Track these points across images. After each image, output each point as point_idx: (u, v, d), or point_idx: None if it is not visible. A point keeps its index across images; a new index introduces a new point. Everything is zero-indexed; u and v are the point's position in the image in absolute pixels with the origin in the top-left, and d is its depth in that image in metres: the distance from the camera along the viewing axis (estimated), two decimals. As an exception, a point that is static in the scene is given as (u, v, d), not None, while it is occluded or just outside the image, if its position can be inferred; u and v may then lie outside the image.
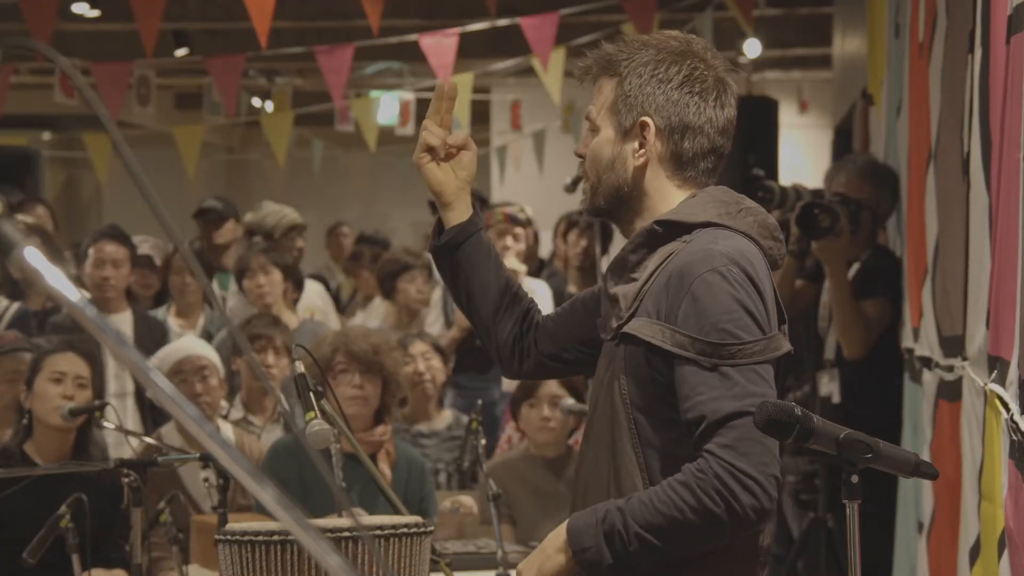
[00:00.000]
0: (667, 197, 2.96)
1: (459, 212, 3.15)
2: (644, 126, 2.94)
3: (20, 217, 7.56)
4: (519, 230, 7.14)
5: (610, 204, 2.99)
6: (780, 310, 2.92)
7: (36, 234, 7.07)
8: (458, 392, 7.52)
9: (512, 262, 7.11)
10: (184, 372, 5.80)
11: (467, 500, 5.44)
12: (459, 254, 3.16)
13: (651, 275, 2.89)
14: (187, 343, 6.11)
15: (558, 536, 2.88)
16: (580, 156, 3.04)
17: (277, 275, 7.26)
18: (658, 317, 2.85)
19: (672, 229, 2.91)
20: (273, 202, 9.05)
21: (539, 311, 3.24)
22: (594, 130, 3.00)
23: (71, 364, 5.09)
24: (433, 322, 7.54)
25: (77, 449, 5.09)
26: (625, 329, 2.89)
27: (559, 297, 7.38)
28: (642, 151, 2.95)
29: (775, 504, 2.83)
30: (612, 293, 2.96)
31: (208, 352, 5.92)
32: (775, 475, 2.79)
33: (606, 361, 2.98)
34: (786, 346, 2.90)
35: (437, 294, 7.62)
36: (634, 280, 2.92)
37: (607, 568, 2.83)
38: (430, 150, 3.12)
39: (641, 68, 2.94)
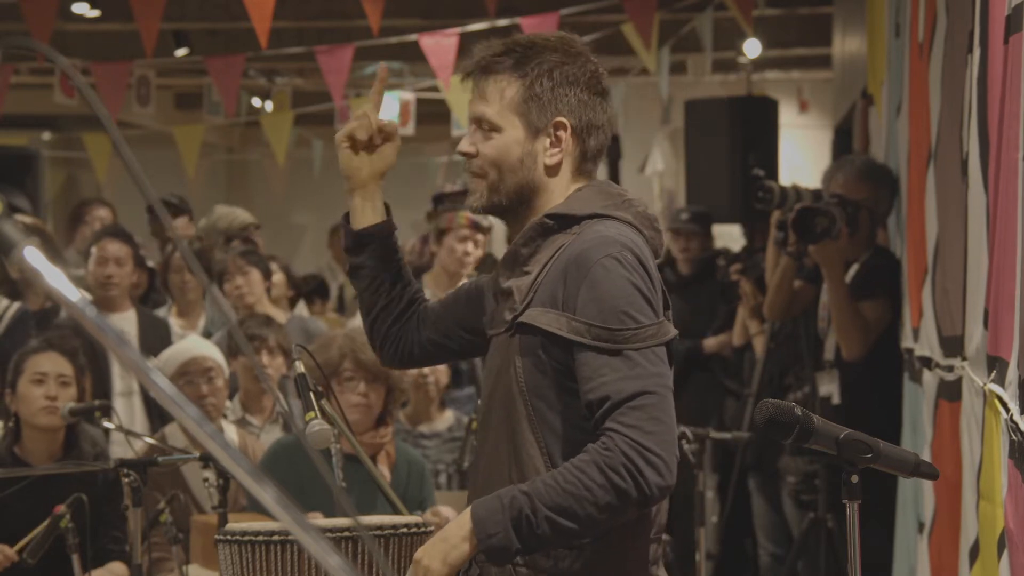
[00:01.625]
0: (564, 191, 3.06)
1: (370, 210, 3.25)
2: (560, 126, 3.03)
3: (21, 218, 7.57)
4: (480, 236, 7.14)
5: (512, 202, 3.06)
6: (665, 297, 3.01)
7: (36, 234, 7.07)
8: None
9: (469, 268, 7.11)
10: (190, 373, 5.77)
11: (445, 510, 5.43)
12: (365, 253, 3.26)
13: (544, 266, 2.97)
14: (193, 344, 6.08)
15: (462, 525, 2.89)
16: (468, 155, 3.09)
17: (256, 274, 7.25)
18: (554, 306, 2.94)
19: (562, 221, 3.00)
20: (224, 205, 9.08)
21: (424, 301, 3.32)
22: (494, 129, 3.05)
23: (52, 363, 5.07)
24: None
25: (67, 447, 5.08)
26: (521, 319, 2.96)
27: None
28: (555, 150, 3.04)
29: (674, 482, 2.88)
30: (506, 287, 3.03)
31: (214, 353, 5.89)
32: (675, 454, 2.86)
33: (499, 354, 3.03)
34: (673, 331, 2.98)
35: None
36: (527, 273, 3.00)
37: (514, 553, 2.87)
38: (352, 139, 3.21)
39: (550, 69, 3.02)
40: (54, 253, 7.04)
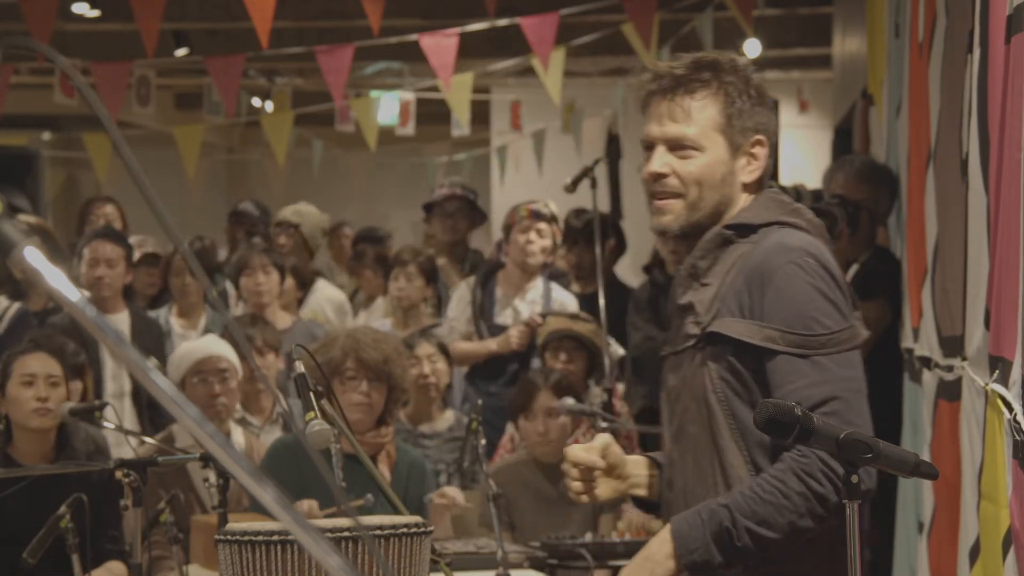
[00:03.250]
0: (740, 203, 3.09)
1: (642, 490, 3.21)
2: (758, 143, 3.08)
3: (24, 217, 7.56)
4: (543, 225, 7.10)
5: (708, 220, 3.08)
6: (852, 298, 3.03)
7: (37, 234, 7.07)
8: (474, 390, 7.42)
9: (537, 257, 7.10)
10: (204, 372, 5.74)
11: (451, 490, 5.43)
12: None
13: (724, 277, 2.99)
14: (209, 342, 6.03)
15: (664, 541, 2.92)
16: (662, 176, 3.09)
17: (276, 276, 7.27)
18: (742, 314, 2.95)
19: (740, 231, 3.03)
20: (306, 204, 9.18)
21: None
22: (696, 148, 3.06)
23: (41, 364, 5.06)
24: (457, 317, 7.44)
25: (59, 447, 5.08)
26: (712, 329, 2.97)
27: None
28: (753, 167, 3.08)
29: (875, 485, 2.89)
30: (685, 303, 3.04)
31: (229, 354, 5.84)
32: None
33: (683, 369, 3.04)
34: (864, 333, 3.00)
35: (463, 290, 7.54)
36: (707, 286, 3.02)
37: (716, 567, 2.88)
38: (586, 491, 3.15)
39: (741, 88, 3.07)
40: (57, 253, 7.04)
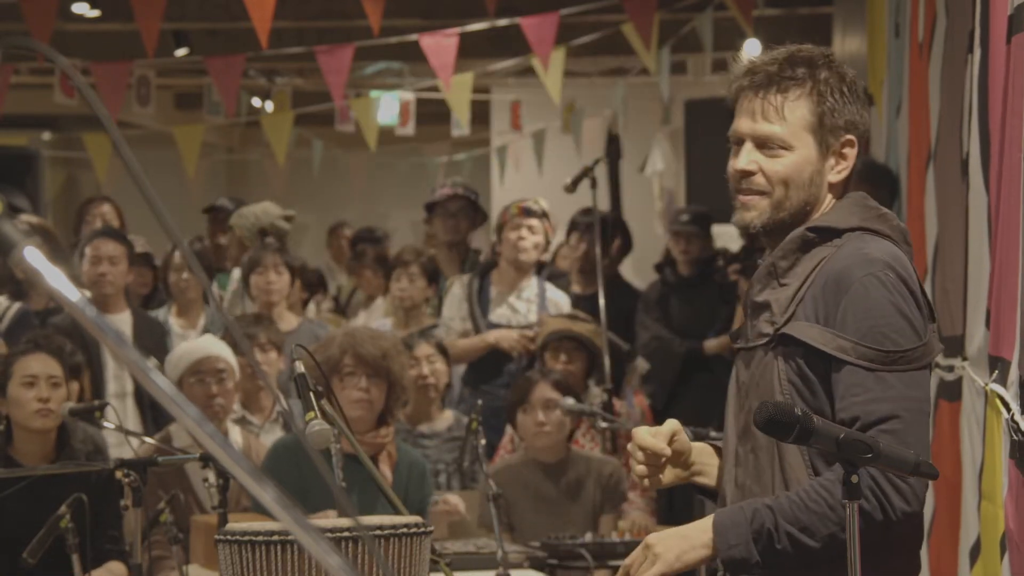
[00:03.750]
0: (825, 203, 3.05)
1: (706, 479, 3.18)
2: (848, 143, 3.03)
3: (26, 217, 7.56)
4: (534, 221, 7.10)
5: (794, 219, 3.04)
6: (931, 309, 2.99)
7: (39, 234, 7.07)
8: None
9: (529, 253, 7.10)
10: (202, 372, 5.74)
11: (453, 499, 5.43)
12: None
13: (805, 280, 2.96)
14: (206, 343, 6.03)
15: (704, 529, 2.92)
16: (749, 173, 3.05)
17: (287, 276, 7.27)
18: (817, 320, 2.93)
19: (823, 234, 2.99)
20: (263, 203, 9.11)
21: None
22: (784, 147, 3.02)
23: (42, 365, 5.06)
24: (451, 317, 7.45)
25: (59, 447, 5.08)
26: (785, 331, 2.95)
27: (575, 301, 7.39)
28: (842, 166, 3.04)
29: (923, 507, 2.88)
30: (762, 300, 3.02)
31: (227, 354, 5.84)
32: (926, 483, 2.85)
33: (753, 366, 3.03)
34: (939, 348, 2.98)
35: (457, 289, 7.55)
36: (785, 286, 2.99)
37: (753, 566, 2.88)
38: (650, 475, 3.12)
39: (834, 85, 3.02)
40: (58, 253, 7.04)
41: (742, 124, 3.05)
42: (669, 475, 3.13)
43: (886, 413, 2.84)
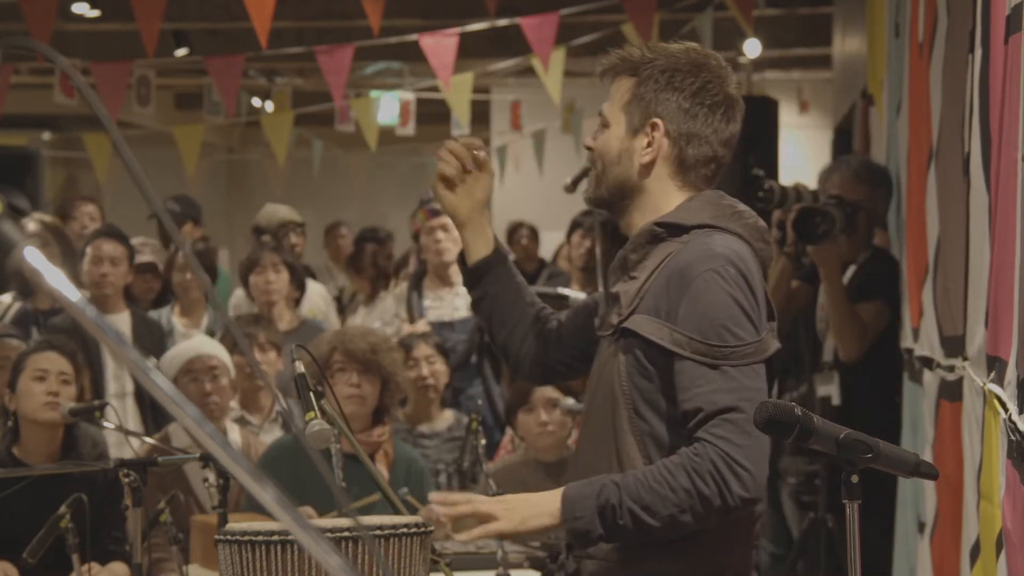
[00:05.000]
0: (667, 196, 3.13)
1: (480, 242, 3.37)
2: (654, 126, 3.12)
3: (38, 216, 7.56)
4: (445, 219, 7.13)
5: (612, 195, 3.17)
6: (770, 307, 3.07)
7: (51, 233, 7.08)
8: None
9: (452, 253, 7.12)
10: (195, 371, 5.76)
11: (439, 509, 5.42)
12: (483, 284, 3.38)
13: (651, 274, 3.04)
14: (198, 342, 6.06)
15: (552, 499, 2.98)
16: (589, 148, 3.23)
17: (285, 275, 7.28)
18: (658, 315, 3.00)
19: (671, 230, 3.07)
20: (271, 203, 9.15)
21: (553, 323, 3.40)
22: (605, 125, 3.19)
23: (53, 362, 5.08)
24: (393, 318, 7.54)
25: (65, 448, 5.08)
26: (626, 324, 3.04)
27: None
28: (649, 149, 3.12)
29: (763, 496, 2.97)
30: (614, 292, 3.12)
31: (219, 352, 5.87)
32: (764, 469, 2.93)
33: (604, 356, 3.13)
34: (775, 345, 3.05)
35: (390, 303, 7.64)
36: (634, 279, 3.07)
37: (596, 538, 2.96)
38: (445, 179, 3.36)
39: (659, 73, 3.12)
40: (69, 252, 7.04)
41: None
42: (467, 199, 3.34)
43: (728, 404, 2.90)
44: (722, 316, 2.93)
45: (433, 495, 3.18)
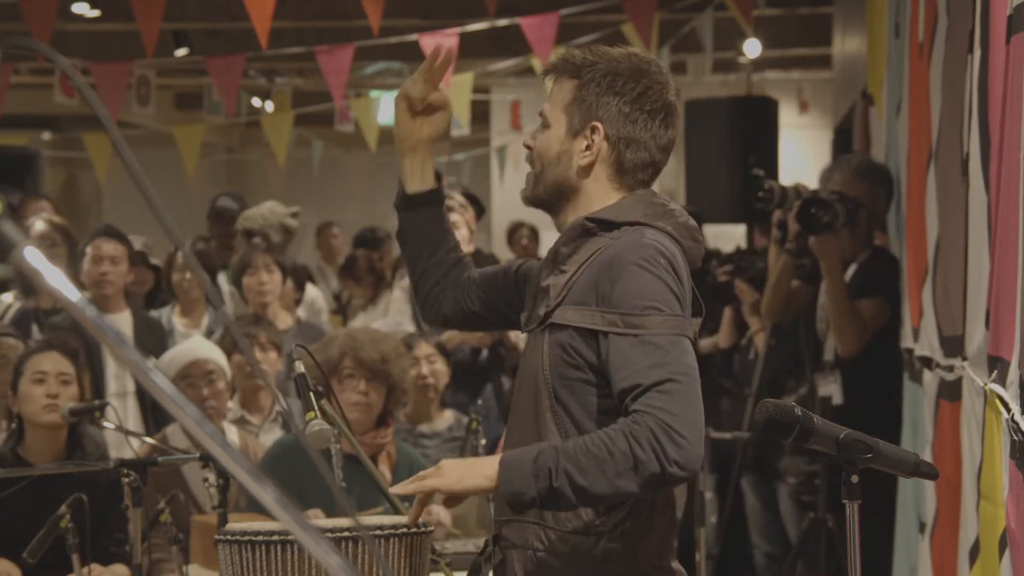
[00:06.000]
0: (604, 198, 3.18)
1: (423, 174, 3.44)
2: (594, 129, 3.17)
3: (46, 216, 7.54)
4: (454, 217, 7.10)
5: (550, 195, 3.22)
6: (697, 304, 3.13)
7: (59, 232, 7.07)
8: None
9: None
10: (191, 376, 5.75)
11: (436, 508, 5.42)
12: (414, 215, 3.46)
13: (579, 267, 3.10)
14: (194, 345, 6.04)
15: (491, 463, 3.02)
16: (528, 148, 3.28)
17: (278, 275, 7.26)
18: (586, 304, 3.06)
19: (602, 225, 3.13)
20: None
21: (473, 273, 3.49)
22: (546, 125, 3.25)
23: (52, 363, 5.08)
24: (400, 311, 7.51)
25: (70, 448, 5.08)
26: (552, 319, 3.09)
27: None
28: (588, 152, 3.18)
29: (698, 469, 2.98)
30: (544, 285, 3.16)
31: (215, 355, 5.86)
32: (701, 440, 2.94)
33: (529, 349, 3.19)
34: (695, 328, 3.11)
35: (399, 294, 7.61)
36: (563, 272, 3.13)
37: (530, 501, 2.98)
38: (408, 98, 3.38)
39: (601, 77, 3.18)
40: (75, 252, 7.03)
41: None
42: (424, 127, 3.39)
43: (663, 376, 2.93)
44: (650, 296, 2.98)
45: (393, 488, 3.19)
